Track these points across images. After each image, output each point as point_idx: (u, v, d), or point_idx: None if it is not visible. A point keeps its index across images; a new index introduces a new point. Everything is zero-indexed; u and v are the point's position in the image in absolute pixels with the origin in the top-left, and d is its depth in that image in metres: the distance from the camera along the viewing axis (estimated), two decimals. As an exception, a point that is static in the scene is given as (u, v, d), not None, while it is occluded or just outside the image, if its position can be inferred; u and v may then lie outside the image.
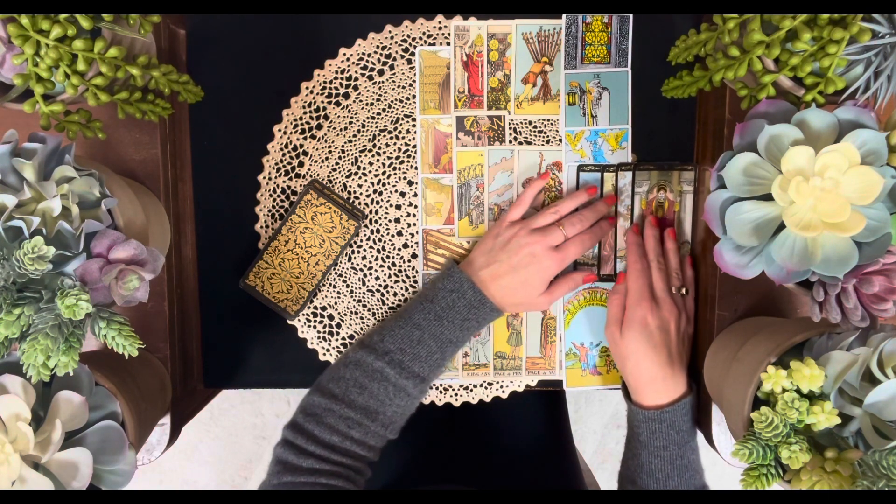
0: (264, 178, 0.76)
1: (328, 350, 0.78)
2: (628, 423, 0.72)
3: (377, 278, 0.77)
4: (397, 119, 0.75)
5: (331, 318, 0.78)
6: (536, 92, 0.74)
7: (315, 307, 0.77)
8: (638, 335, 0.68)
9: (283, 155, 0.75)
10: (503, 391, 0.79)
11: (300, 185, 0.75)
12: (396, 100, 0.75)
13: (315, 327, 0.78)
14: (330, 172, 0.76)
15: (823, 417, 0.52)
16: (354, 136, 0.75)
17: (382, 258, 0.77)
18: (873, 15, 0.49)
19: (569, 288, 0.73)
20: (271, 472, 0.64)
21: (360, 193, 0.76)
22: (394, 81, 0.75)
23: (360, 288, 0.77)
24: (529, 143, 0.75)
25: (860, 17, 0.48)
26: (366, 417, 0.65)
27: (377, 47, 0.74)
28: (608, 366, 0.78)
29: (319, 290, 0.77)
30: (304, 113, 0.75)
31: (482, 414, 0.89)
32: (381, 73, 0.75)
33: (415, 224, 0.76)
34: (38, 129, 0.55)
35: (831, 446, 0.53)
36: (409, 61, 0.74)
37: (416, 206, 0.76)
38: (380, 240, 0.77)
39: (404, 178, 0.76)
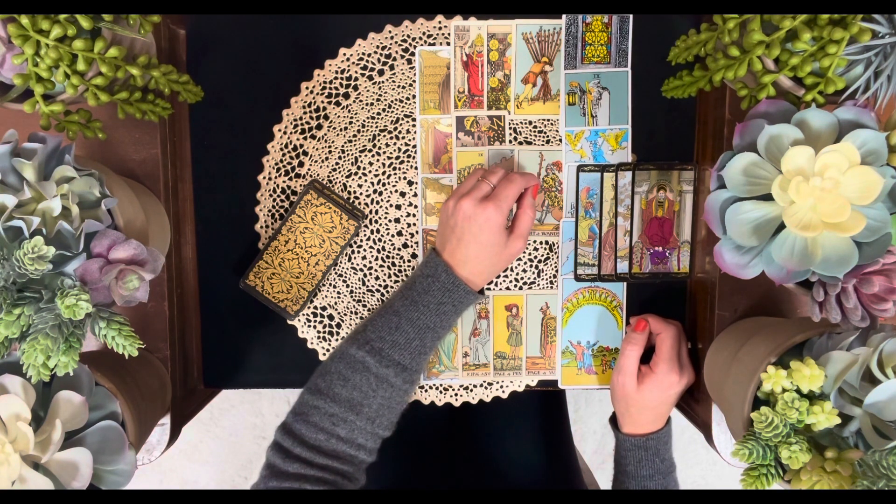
0: (264, 178, 0.76)
1: (328, 350, 0.78)
2: (615, 454, 0.75)
3: (377, 278, 0.77)
4: (397, 119, 0.75)
5: (331, 318, 0.78)
6: (536, 92, 0.74)
7: (315, 307, 0.77)
8: (661, 396, 0.71)
9: (283, 155, 0.75)
10: (503, 391, 0.79)
11: (300, 185, 0.75)
12: (396, 100, 0.75)
13: (315, 327, 0.78)
14: (330, 172, 0.76)
15: (823, 417, 0.52)
16: (354, 136, 0.75)
17: (382, 258, 0.77)
18: (873, 15, 0.49)
19: (528, 216, 0.69)
20: (261, 475, 0.63)
21: (360, 193, 0.76)
22: (394, 81, 0.75)
23: (360, 288, 0.77)
24: (529, 143, 0.75)
25: (860, 17, 0.48)
26: (350, 411, 0.63)
27: (377, 47, 0.74)
28: (603, 366, 0.78)
29: (319, 290, 0.77)
30: (304, 113, 0.75)
31: (482, 414, 0.89)
32: (381, 73, 0.75)
33: (415, 224, 0.76)
34: (38, 129, 0.55)
35: (831, 446, 0.53)
36: (409, 61, 0.74)
37: (416, 206, 0.76)
38: (380, 240, 0.77)
39: (404, 178, 0.76)
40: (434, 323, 0.67)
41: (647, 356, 0.73)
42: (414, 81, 0.75)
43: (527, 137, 0.75)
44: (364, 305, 0.77)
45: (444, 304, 0.67)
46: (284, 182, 0.76)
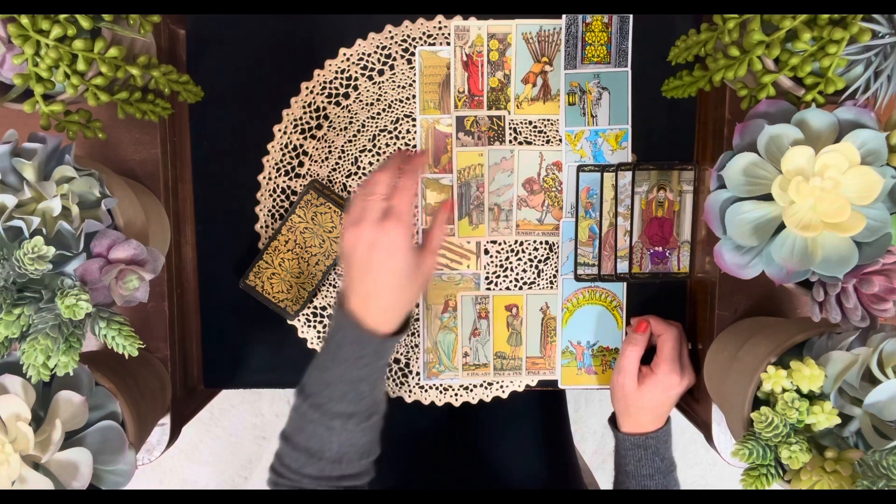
0: (264, 178, 0.76)
1: (328, 350, 0.78)
2: (615, 454, 0.75)
3: (377, 278, 0.77)
4: (397, 119, 0.75)
5: (331, 318, 0.77)
6: (536, 92, 0.74)
7: (315, 307, 0.77)
8: (661, 397, 0.71)
9: (283, 155, 0.75)
10: (503, 391, 0.79)
11: (300, 185, 0.75)
12: (396, 100, 0.75)
13: (315, 327, 0.78)
14: (330, 172, 0.76)
15: (823, 417, 0.52)
16: (354, 136, 0.75)
17: (382, 258, 0.77)
18: (873, 15, 0.49)
19: (440, 235, 0.64)
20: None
21: (360, 193, 0.76)
22: (394, 81, 0.75)
23: (360, 288, 0.77)
24: (529, 143, 0.75)
25: (860, 17, 0.48)
26: (312, 457, 0.61)
27: (377, 47, 0.74)
28: (603, 366, 0.78)
29: (319, 290, 0.77)
30: (304, 113, 0.75)
31: (482, 414, 0.89)
32: (381, 73, 0.75)
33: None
34: (38, 129, 0.55)
35: (831, 446, 0.53)
36: (409, 61, 0.74)
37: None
38: (380, 240, 0.77)
39: (404, 178, 0.76)
40: (361, 375, 0.61)
41: (646, 357, 0.73)
42: (414, 81, 0.75)
43: (527, 137, 0.75)
44: (364, 305, 0.77)
45: (362, 357, 0.61)
46: (284, 182, 0.76)
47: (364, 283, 0.59)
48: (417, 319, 0.77)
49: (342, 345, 0.60)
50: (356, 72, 0.74)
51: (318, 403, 0.61)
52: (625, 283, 0.77)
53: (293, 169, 0.76)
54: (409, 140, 0.75)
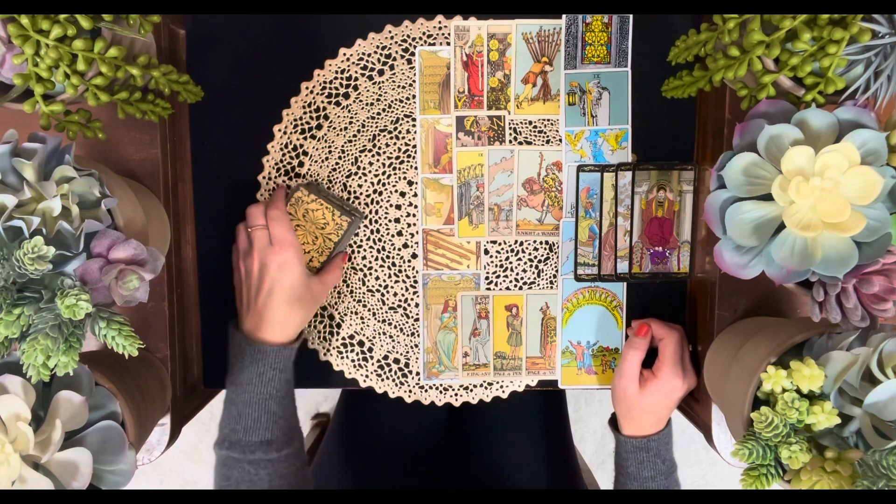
0: (264, 178, 0.76)
1: (328, 350, 0.78)
2: (616, 456, 0.75)
3: (377, 278, 0.77)
4: (397, 119, 0.75)
5: (331, 317, 0.78)
6: (536, 92, 0.74)
7: (315, 307, 0.77)
8: (663, 401, 0.71)
9: (283, 155, 0.75)
10: (503, 391, 0.79)
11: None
12: (396, 100, 0.75)
13: (315, 327, 0.78)
14: (330, 172, 0.76)
15: (823, 417, 0.52)
16: (354, 136, 0.75)
17: (382, 258, 0.77)
18: (873, 15, 0.49)
19: (338, 271, 0.72)
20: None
21: (360, 193, 0.76)
22: (394, 81, 0.75)
23: (360, 288, 0.77)
24: (529, 143, 0.75)
25: (860, 17, 0.48)
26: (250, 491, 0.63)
27: (377, 47, 0.74)
28: (603, 366, 0.78)
29: None
30: (304, 113, 0.75)
31: (482, 414, 0.89)
32: (381, 73, 0.75)
33: (415, 224, 0.76)
34: (38, 129, 0.55)
35: (831, 446, 0.53)
36: (409, 61, 0.74)
37: (416, 206, 0.76)
38: (380, 240, 0.77)
39: (404, 178, 0.76)
40: (269, 392, 0.65)
41: (647, 359, 0.73)
42: (414, 81, 0.75)
43: (527, 137, 0.75)
44: (364, 305, 0.77)
45: (263, 373, 0.65)
46: (284, 182, 0.76)
47: (257, 301, 0.66)
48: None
49: (243, 367, 0.65)
50: (356, 72, 0.74)
51: (234, 441, 0.64)
52: (625, 283, 0.77)
53: (293, 169, 0.76)
54: (410, 140, 0.75)
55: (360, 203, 0.76)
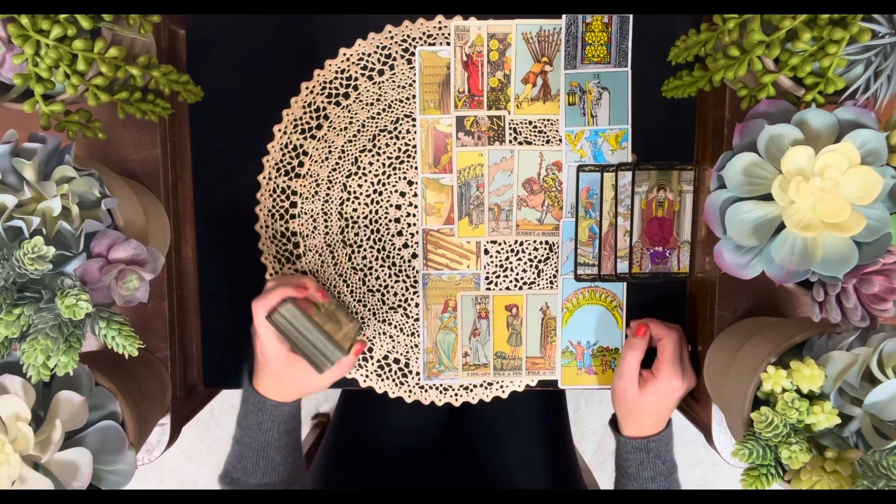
0: (264, 178, 0.76)
1: (328, 350, 0.78)
2: (616, 457, 0.75)
3: (377, 278, 0.77)
4: (397, 119, 0.75)
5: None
6: (536, 92, 0.74)
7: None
8: (663, 401, 0.71)
9: (283, 155, 0.75)
10: (503, 391, 0.79)
11: (300, 185, 0.75)
12: (396, 100, 0.75)
13: (315, 327, 0.78)
14: (330, 172, 0.76)
15: (823, 417, 0.52)
16: (354, 136, 0.75)
17: (382, 258, 0.77)
18: (873, 15, 0.49)
19: (349, 365, 0.72)
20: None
21: (360, 193, 0.76)
22: (394, 81, 0.75)
23: (360, 288, 0.77)
24: (529, 143, 0.75)
25: (860, 17, 0.48)
26: None
27: (377, 47, 0.74)
28: (603, 366, 0.78)
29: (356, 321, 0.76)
30: (304, 113, 0.75)
31: (482, 414, 0.89)
32: (381, 73, 0.75)
33: (415, 224, 0.76)
34: (38, 129, 0.55)
35: (831, 446, 0.53)
36: (409, 61, 0.74)
37: (416, 206, 0.76)
38: (380, 240, 0.77)
39: (404, 178, 0.76)
40: (267, 440, 0.70)
41: (647, 359, 0.73)
42: (414, 81, 0.75)
43: (527, 137, 0.75)
44: (364, 305, 0.77)
45: (262, 423, 0.70)
46: (284, 182, 0.76)
47: (257, 359, 0.70)
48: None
49: (247, 413, 0.70)
50: (356, 72, 0.74)
51: (235, 478, 0.70)
52: (625, 283, 0.77)
53: (293, 169, 0.76)
54: (410, 140, 0.75)
55: (359, 203, 0.76)
